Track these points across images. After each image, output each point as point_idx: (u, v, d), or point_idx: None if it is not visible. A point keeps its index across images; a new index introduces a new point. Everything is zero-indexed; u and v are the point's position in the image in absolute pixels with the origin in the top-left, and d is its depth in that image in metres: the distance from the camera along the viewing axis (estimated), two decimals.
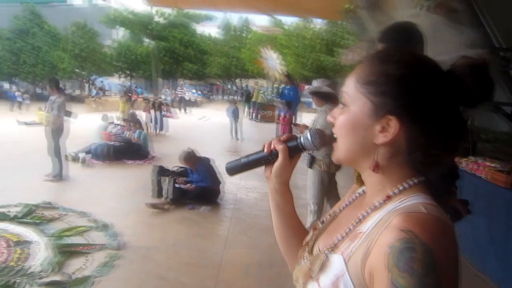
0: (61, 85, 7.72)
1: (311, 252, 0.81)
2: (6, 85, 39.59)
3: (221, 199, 5.58)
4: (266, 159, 0.86)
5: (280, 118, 10.86)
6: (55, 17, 36.14)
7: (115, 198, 5.71)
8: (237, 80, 38.97)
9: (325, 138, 0.84)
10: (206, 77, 37.76)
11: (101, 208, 5.06)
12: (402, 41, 1.92)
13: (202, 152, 6.03)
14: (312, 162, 3.78)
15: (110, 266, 3.55)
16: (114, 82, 39.39)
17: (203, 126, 16.16)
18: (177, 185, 5.37)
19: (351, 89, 0.74)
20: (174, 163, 6.06)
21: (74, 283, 3.24)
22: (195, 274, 3.48)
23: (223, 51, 35.13)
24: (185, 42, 34.73)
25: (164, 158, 8.22)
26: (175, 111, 19.07)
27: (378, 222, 0.67)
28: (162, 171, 5.80)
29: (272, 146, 0.85)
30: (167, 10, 29.93)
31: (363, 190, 0.82)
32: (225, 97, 38.77)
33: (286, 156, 0.84)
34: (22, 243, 4.03)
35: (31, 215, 4.81)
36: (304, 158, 4.10)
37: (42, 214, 4.87)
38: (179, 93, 22.88)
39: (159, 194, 5.55)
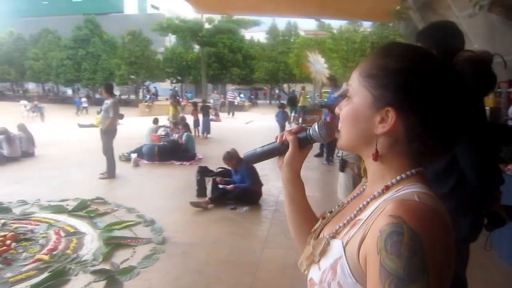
0: (117, 91, 8.23)
1: (317, 238, 0.86)
2: (69, 91, 42.58)
3: (262, 201, 5.65)
4: (278, 150, 0.93)
5: None
6: (112, 27, 38.38)
7: (161, 196, 6.00)
8: (284, 85, 39.01)
9: (332, 130, 0.88)
10: (253, 82, 38.16)
11: (148, 205, 5.35)
12: (440, 41, 1.86)
13: None
14: (344, 165, 3.76)
15: (154, 259, 3.76)
16: (166, 87, 40.90)
17: (249, 129, 16.37)
18: (219, 186, 5.55)
19: (355, 82, 0.78)
20: (219, 165, 6.24)
21: (122, 272, 3.47)
22: (233, 271, 3.58)
23: (270, 56, 35.31)
24: (234, 48, 35.39)
25: (210, 160, 8.46)
26: (223, 115, 19.58)
27: (375, 210, 0.71)
28: (206, 172, 6.00)
29: (283, 138, 0.91)
30: (216, 17, 30.69)
31: None
32: (273, 102, 38.92)
33: (295, 147, 0.90)
34: (77, 234, 4.38)
35: (85, 209, 5.20)
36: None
37: (95, 208, 5.24)
38: (229, 97, 23.31)
39: (203, 193, 5.75)
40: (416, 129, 0.71)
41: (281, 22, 37.44)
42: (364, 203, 0.77)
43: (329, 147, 8.29)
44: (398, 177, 0.73)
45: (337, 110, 0.84)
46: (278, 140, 0.93)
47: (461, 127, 0.74)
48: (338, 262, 0.72)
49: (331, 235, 0.79)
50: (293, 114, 20.12)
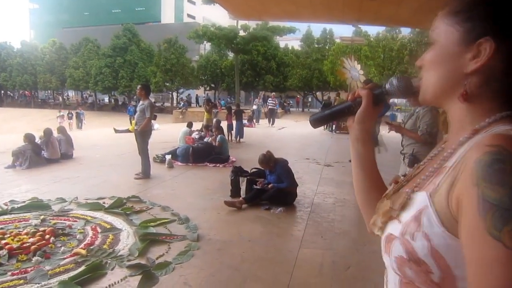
0: (152, 98, 8.36)
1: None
2: (106, 98, 43.95)
3: (297, 202, 5.53)
4: (349, 108, 0.89)
5: None
6: (150, 35, 39.55)
7: (195, 195, 5.97)
8: (318, 93, 38.67)
9: (410, 84, 0.84)
10: (286, 90, 38.08)
11: (182, 204, 5.35)
12: None
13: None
14: (414, 162, 3.59)
15: (189, 255, 3.72)
16: (200, 94, 41.60)
17: (281, 135, 16.30)
18: (253, 186, 5.47)
19: (439, 25, 0.72)
20: (252, 167, 6.16)
21: (157, 267, 3.44)
22: (270, 268, 3.49)
23: (304, 63, 35.13)
24: (268, 55, 35.52)
25: (243, 163, 8.39)
26: (262, 122, 19.67)
27: (464, 153, 0.63)
28: (240, 172, 5.95)
29: (356, 94, 0.87)
30: (251, 24, 30.92)
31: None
32: (305, 110, 38.66)
33: (369, 101, 0.85)
34: (114, 230, 4.41)
35: (122, 207, 5.24)
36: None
37: (131, 206, 5.27)
38: (269, 105, 22.87)
39: (237, 193, 5.69)
40: None
41: (317, 30, 37.29)
42: (450, 150, 0.68)
43: None
44: (487, 120, 0.65)
45: (418, 62, 0.77)
46: (349, 98, 0.89)
47: None
48: (423, 213, 0.66)
49: (412, 189, 0.71)
50: None
